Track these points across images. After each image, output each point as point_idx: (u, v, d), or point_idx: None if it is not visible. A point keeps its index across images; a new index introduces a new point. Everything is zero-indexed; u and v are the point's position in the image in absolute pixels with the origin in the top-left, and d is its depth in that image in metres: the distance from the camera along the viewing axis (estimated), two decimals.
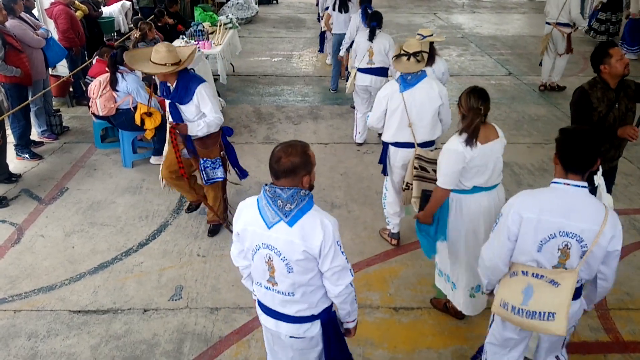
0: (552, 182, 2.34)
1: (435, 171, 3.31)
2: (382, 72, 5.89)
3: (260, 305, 2.41)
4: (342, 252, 2.15)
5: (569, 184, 2.27)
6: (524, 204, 2.33)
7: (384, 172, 4.26)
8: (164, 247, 4.37)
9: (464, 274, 3.39)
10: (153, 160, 5.72)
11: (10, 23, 5.61)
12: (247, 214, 2.20)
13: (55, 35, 6.80)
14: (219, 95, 7.26)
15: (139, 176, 5.52)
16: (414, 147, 3.90)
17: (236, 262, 2.46)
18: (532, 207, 2.29)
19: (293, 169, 2.08)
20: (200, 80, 4.00)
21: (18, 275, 4.02)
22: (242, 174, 4.55)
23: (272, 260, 2.16)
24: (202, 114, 4.01)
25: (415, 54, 3.83)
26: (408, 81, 3.87)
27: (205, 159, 4.17)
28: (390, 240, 4.46)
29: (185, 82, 3.90)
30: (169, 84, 3.96)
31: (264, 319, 2.41)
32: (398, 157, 4.05)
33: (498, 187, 3.28)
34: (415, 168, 3.82)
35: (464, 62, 9.98)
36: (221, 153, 4.31)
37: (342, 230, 4.57)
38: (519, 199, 2.37)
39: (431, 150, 3.93)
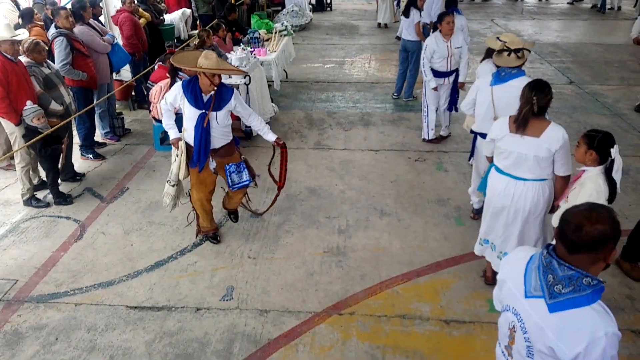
0: None
1: None
2: None
3: None
4: None
5: None
6: None
7: (470, 158, 4.63)
8: (217, 247, 4.46)
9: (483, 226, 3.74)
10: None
11: (79, 29, 5.91)
12: (513, 266, 1.87)
13: (119, 41, 7.12)
14: (272, 101, 7.37)
15: None
16: None
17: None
18: None
19: (600, 241, 1.62)
20: (229, 87, 4.17)
21: (80, 270, 4.22)
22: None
23: (514, 331, 1.84)
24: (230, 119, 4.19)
25: (516, 50, 4.00)
26: (501, 77, 4.08)
27: (230, 164, 4.22)
28: (473, 216, 4.79)
29: (220, 88, 4.01)
30: (203, 94, 3.96)
31: None
32: (483, 148, 4.24)
33: (530, 184, 3.34)
34: None
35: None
36: (242, 157, 4.36)
37: (391, 239, 4.59)
38: None
39: None
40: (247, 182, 4.29)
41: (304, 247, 4.47)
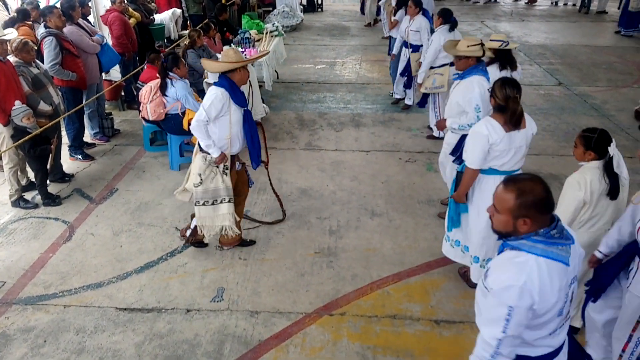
0: None
1: None
2: None
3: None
4: None
5: None
6: None
7: (459, 161, 4.53)
8: (207, 248, 4.44)
9: (475, 243, 3.67)
10: None
11: (68, 29, 5.86)
12: (540, 283, 1.90)
13: (109, 40, 7.06)
14: (263, 102, 7.36)
15: (185, 179, 5.65)
16: None
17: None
18: None
19: None
20: None
21: (68, 272, 4.18)
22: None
23: (573, 292, 2.10)
24: None
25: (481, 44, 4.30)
26: (484, 71, 4.31)
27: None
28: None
29: None
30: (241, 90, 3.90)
31: None
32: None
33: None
34: None
35: None
36: None
37: (382, 240, 4.59)
38: None
39: None
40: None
41: (295, 248, 4.46)
